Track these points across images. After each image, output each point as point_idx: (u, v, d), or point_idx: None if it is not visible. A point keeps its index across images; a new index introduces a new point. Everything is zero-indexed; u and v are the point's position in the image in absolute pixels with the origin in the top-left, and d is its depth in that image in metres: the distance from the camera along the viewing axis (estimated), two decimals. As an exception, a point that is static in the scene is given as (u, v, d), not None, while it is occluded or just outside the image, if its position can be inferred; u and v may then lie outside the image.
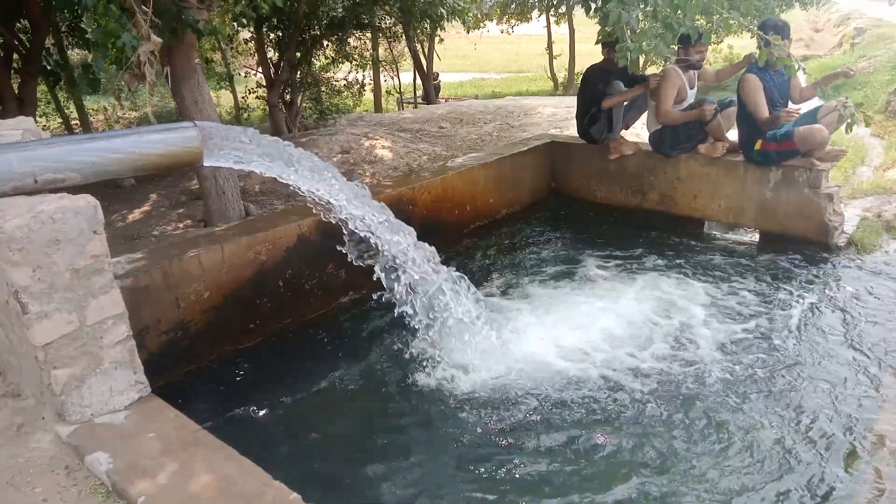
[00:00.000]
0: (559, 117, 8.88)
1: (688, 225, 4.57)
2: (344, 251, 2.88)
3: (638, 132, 6.92)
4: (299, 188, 2.54)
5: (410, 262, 2.86)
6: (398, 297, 2.91)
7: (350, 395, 2.86)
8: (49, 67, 6.80)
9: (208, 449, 1.81)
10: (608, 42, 4.52)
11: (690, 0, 3.33)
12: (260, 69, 11.27)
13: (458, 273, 3.07)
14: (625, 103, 4.75)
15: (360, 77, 13.64)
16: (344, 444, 2.50)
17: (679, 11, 3.40)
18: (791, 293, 3.56)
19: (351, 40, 12.01)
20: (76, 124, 10.52)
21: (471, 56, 27.04)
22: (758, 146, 4.05)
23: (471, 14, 11.50)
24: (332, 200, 2.63)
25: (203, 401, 2.79)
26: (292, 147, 2.52)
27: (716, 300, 3.52)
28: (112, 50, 3.30)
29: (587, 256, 4.23)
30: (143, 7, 3.13)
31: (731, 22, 3.82)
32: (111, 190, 7.14)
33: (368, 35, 13.31)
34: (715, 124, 4.36)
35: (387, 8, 10.92)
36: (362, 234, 2.78)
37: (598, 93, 4.69)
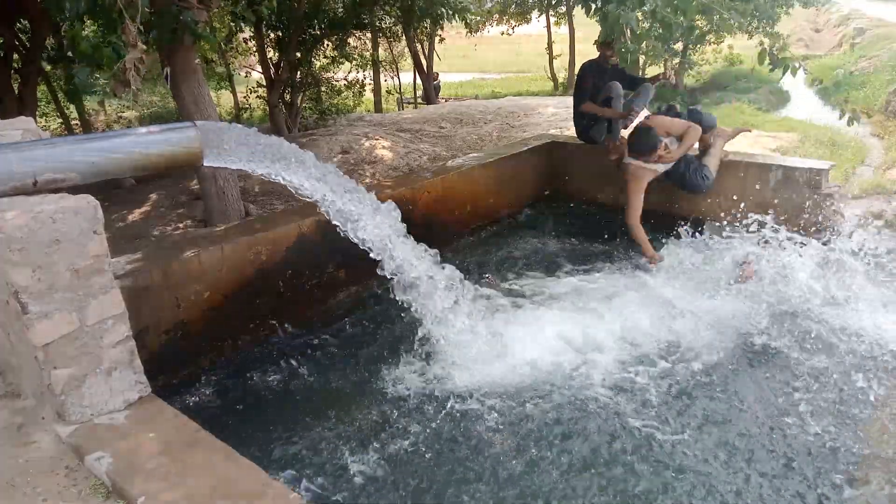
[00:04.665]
0: (559, 117, 8.89)
1: (687, 225, 4.56)
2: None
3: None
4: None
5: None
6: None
7: (350, 395, 2.86)
8: (52, 56, 6.77)
9: (208, 449, 1.81)
10: (604, 41, 4.53)
11: (691, 2, 3.34)
12: (260, 69, 11.27)
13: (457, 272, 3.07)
14: (622, 102, 4.74)
15: (360, 77, 13.64)
16: (344, 443, 2.50)
17: (678, 12, 3.41)
18: (791, 293, 3.55)
19: (351, 40, 12.01)
20: (76, 124, 10.53)
21: (471, 56, 27.05)
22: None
23: (472, 13, 11.50)
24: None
25: (203, 401, 2.79)
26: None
27: (716, 300, 3.52)
28: (99, 62, 3.32)
29: (587, 256, 4.23)
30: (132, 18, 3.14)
31: (730, 22, 3.82)
32: (111, 190, 7.14)
33: (368, 35, 13.31)
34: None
35: (387, 8, 10.92)
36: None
37: (589, 90, 4.69)
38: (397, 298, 2.90)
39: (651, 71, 16.52)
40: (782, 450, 2.40)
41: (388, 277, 2.87)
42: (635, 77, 5.01)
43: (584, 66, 4.90)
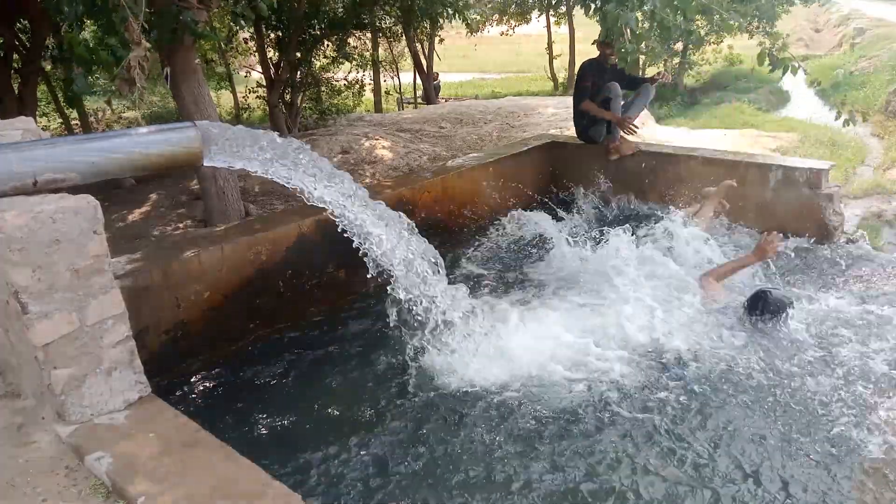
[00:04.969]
0: (559, 117, 8.88)
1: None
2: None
3: (638, 132, 6.92)
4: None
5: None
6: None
7: (350, 395, 2.86)
8: (53, 55, 6.75)
9: (208, 449, 1.81)
10: (604, 40, 4.54)
11: (690, 2, 3.34)
12: (260, 69, 11.28)
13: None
14: (621, 102, 4.74)
15: (360, 77, 13.64)
16: (344, 443, 2.50)
17: (678, 12, 3.41)
18: (790, 293, 3.55)
19: (351, 40, 12.01)
20: (76, 124, 10.53)
21: (471, 56, 27.03)
22: None
23: (472, 13, 11.52)
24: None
25: (203, 401, 2.79)
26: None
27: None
28: (98, 64, 3.32)
29: (587, 256, 4.22)
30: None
31: (730, 23, 3.82)
32: (111, 190, 7.14)
33: (368, 35, 13.31)
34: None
35: (387, 8, 10.92)
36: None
37: (588, 89, 4.71)
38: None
39: (651, 71, 16.47)
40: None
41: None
42: (635, 77, 5.01)
43: (584, 65, 4.91)
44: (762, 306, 3.12)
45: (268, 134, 2.39)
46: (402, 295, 2.89)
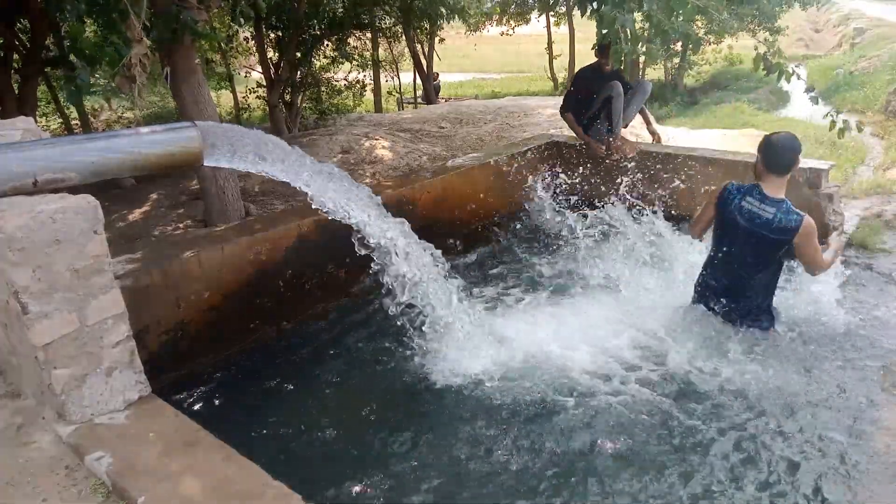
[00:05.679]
0: (559, 117, 8.87)
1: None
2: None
3: (638, 132, 6.93)
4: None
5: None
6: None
7: (350, 395, 2.87)
8: (49, 58, 6.73)
9: (208, 449, 1.81)
10: (601, 46, 4.56)
11: (686, 4, 3.34)
12: (260, 69, 11.29)
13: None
14: (622, 101, 4.75)
15: (360, 77, 13.65)
16: (344, 443, 2.50)
17: (673, 15, 3.41)
18: (790, 293, 3.55)
19: (351, 40, 12.02)
20: (76, 124, 10.52)
21: (471, 56, 27.07)
22: None
23: (471, 12, 11.53)
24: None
25: (203, 401, 2.79)
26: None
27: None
28: (101, 62, 3.33)
29: (587, 256, 4.22)
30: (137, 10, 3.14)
31: (726, 25, 3.82)
32: (111, 190, 7.14)
33: (368, 35, 13.32)
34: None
35: (386, 8, 10.93)
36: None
37: (573, 99, 4.76)
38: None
39: (650, 73, 16.46)
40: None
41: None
42: (627, 82, 5.03)
43: (579, 73, 4.94)
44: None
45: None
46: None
